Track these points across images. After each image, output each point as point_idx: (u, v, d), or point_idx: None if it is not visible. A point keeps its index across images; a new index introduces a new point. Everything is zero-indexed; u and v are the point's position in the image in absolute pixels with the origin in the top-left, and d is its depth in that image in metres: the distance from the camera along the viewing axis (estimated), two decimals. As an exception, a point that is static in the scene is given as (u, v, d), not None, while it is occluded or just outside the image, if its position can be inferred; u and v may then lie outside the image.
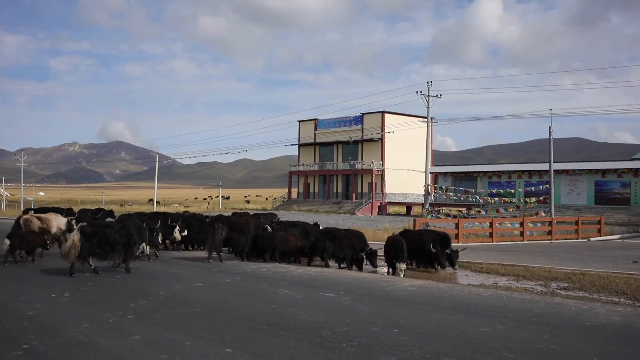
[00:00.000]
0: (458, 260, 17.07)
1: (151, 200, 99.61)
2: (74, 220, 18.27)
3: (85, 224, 14.74)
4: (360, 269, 16.69)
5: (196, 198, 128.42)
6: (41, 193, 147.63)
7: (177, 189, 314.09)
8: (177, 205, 78.99)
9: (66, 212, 25.12)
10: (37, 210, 29.99)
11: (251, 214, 26.19)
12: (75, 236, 13.99)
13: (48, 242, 16.75)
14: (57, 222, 18.28)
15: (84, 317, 9.21)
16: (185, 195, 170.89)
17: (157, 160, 70.03)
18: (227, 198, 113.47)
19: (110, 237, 14.20)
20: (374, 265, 16.56)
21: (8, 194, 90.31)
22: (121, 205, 73.21)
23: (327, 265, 16.68)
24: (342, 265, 16.93)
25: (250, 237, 18.05)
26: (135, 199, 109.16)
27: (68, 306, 10.21)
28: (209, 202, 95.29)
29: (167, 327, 8.61)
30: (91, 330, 8.32)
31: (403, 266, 15.90)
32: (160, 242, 16.96)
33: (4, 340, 7.80)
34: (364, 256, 16.77)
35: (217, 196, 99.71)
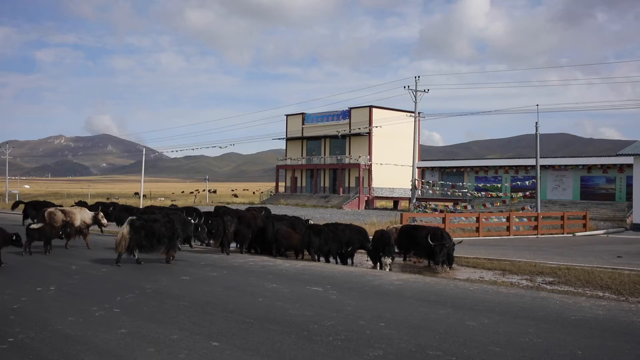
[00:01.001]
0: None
1: (137, 193, 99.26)
2: (100, 215, 18.93)
3: (134, 217, 15.54)
4: (344, 263, 16.74)
5: (183, 192, 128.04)
6: (26, 186, 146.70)
7: (164, 183, 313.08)
8: (163, 199, 78.69)
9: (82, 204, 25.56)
10: (32, 204, 29.88)
11: (233, 208, 26.08)
12: (125, 229, 14.77)
13: (62, 233, 17.39)
14: (82, 216, 18.79)
15: (70, 310, 9.17)
16: (172, 188, 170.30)
17: (144, 153, 69.68)
18: (214, 192, 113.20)
19: (157, 231, 14.92)
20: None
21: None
22: (107, 198, 72.83)
23: (313, 260, 16.70)
24: (330, 260, 16.96)
25: (254, 231, 18.41)
26: (122, 193, 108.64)
27: (54, 299, 10.16)
28: (195, 195, 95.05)
29: (154, 320, 8.60)
30: (77, 324, 8.29)
31: (389, 260, 15.95)
32: (205, 237, 17.08)
33: (-11, 333, 7.76)
34: (366, 252, 16.92)
35: (204, 190, 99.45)
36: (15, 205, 38.11)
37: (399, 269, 16.66)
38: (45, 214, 18.33)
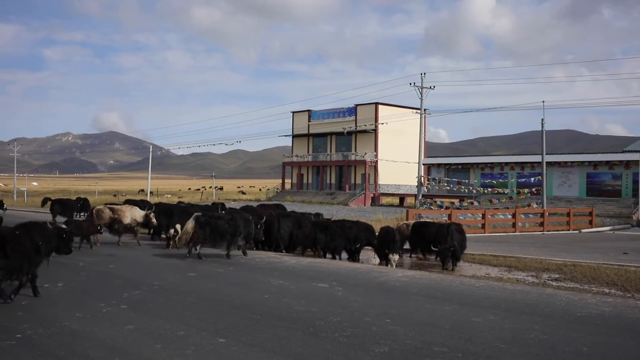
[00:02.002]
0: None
1: (142, 190, 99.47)
2: (152, 214, 18.98)
3: (200, 214, 16.27)
4: (353, 260, 16.77)
5: (190, 188, 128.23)
6: (34, 183, 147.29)
7: (171, 180, 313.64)
8: (169, 195, 78.88)
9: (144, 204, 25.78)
10: (59, 201, 29.88)
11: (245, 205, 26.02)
12: (190, 224, 15.53)
13: (100, 228, 17.76)
14: (132, 214, 19.12)
15: (78, 306, 9.23)
16: (178, 185, 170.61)
17: (151, 150, 69.87)
18: (221, 189, 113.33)
19: (221, 227, 15.61)
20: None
21: (1, 184, 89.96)
22: (114, 195, 73.06)
23: (319, 256, 16.71)
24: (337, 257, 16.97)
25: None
26: (129, 190, 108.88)
27: (61, 296, 10.22)
28: (202, 192, 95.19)
29: (161, 317, 8.64)
30: (85, 320, 8.34)
31: (396, 257, 15.96)
32: (262, 235, 17.56)
33: (-3, 329, 7.82)
34: (373, 249, 16.94)
35: (211, 187, 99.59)
36: (44, 202, 38.55)
37: (408, 266, 16.69)
38: (94, 211, 18.89)
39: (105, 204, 21.92)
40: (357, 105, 73.16)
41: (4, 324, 8.12)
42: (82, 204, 34.75)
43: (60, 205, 30.03)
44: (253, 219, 17.21)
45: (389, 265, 15.68)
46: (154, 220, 19.15)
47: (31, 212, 39.66)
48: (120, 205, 20.93)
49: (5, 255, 9.09)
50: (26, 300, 9.66)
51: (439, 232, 16.13)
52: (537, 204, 37.45)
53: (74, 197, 41.42)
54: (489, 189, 45.59)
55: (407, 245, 18.89)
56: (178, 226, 18.13)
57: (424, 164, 50.04)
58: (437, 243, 15.77)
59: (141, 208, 19.81)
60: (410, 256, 18.51)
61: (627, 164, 47.53)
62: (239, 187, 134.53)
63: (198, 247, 15.74)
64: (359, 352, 6.96)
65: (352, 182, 70.95)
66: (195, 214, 16.40)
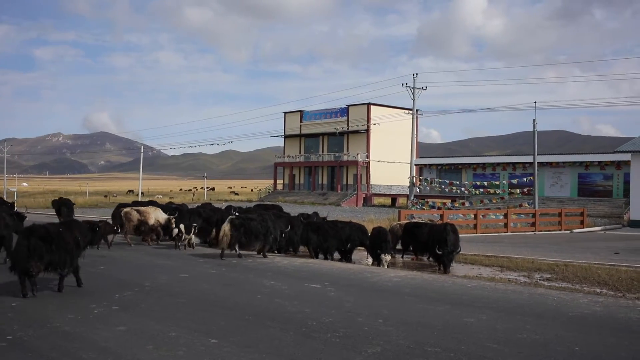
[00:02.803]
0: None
1: (130, 191, 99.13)
2: (172, 219, 18.72)
3: (234, 216, 16.94)
4: (346, 260, 16.76)
5: (181, 189, 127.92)
6: (25, 184, 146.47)
7: (162, 180, 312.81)
8: (161, 196, 78.63)
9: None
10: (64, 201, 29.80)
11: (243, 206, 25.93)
12: (226, 226, 15.99)
13: (117, 228, 17.39)
14: (156, 215, 19.47)
15: (69, 308, 9.19)
16: (170, 186, 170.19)
17: (142, 151, 69.67)
18: (213, 189, 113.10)
19: (254, 228, 16.10)
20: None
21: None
22: (105, 196, 72.82)
23: (311, 257, 16.70)
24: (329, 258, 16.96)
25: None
26: (120, 190, 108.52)
27: (53, 297, 10.17)
28: (194, 193, 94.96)
29: (153, 317, 8.61)
30: (76, 321, 8.30)
31: (388, 257, 15.97)
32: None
33: (-12, 331, 7.77)
34: (366, 249, 16.97)
35: (202, 187, 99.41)
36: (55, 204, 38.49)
37: (401, 266, 16.70)
38: (122, 213, 19.23)
39: (132, 202, 22.84)
40: (349, 105, 73.18)
41: (-6, 325, 8.08)
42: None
43: (66, 206, 29.91)
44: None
45: (381, 266, 15.68)
46: (173, 225, 18.95)
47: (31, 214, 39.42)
48: (144, 206, 21.10)
49: (52, 250, 10.14)
50: (16, 302, 9.61)
51: (435, 234, 16.01)
52: (528, 204, 37.56)
53: (64, 198, 41.17)
54: (481, 190, 45.72)
55: (399, 246, 18.90)
56: (182, 226, 18.17)
57: (416, 165, 50.12)
58: (434, 245, 15.66)
59: (164, 211, 19.94)
60: (402, 257, 18.50)
61: (618, 164, 47.74)
62: (229, 188, 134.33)
63: (237, 248, 16.12)
64: (352, 352, 6.96)
65: (344, 182, 70.97)
66: (230, 216, 17.05)
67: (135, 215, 19.04)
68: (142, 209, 19.79)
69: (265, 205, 25.35)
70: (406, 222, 20.25)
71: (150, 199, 57.66)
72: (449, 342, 7.42)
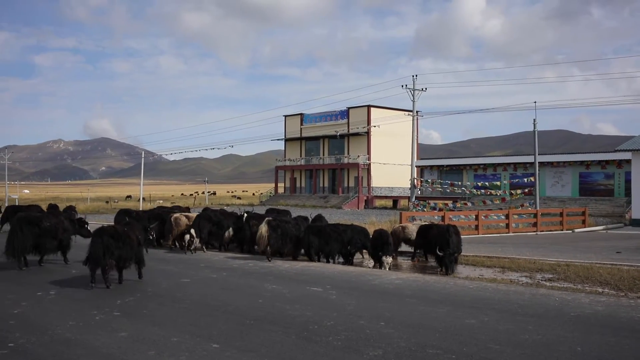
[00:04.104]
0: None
1: (129, 196, 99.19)
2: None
3: (270, 218, 17.34)
4: (348, 263, 16.73)
5: (182, 194, 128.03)
6: (26, 191, 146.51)
7: (164, 185, 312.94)
8: (161, 201, 78.65)
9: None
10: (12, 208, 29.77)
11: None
12: (263, 227, 16.41)
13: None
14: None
15: (71, 314, 9.19)
16: (171, 191, 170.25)
17: (143, 156, 69.67)
18: (214, 193, 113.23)
19: (289, 231, 16.68)
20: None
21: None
22: (107, 202, 72.85)
23: (312, 260, 16.68)
24: (338, 261, 16.94)
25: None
26: (121, 196, 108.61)
27: (54, 304, 10.17)
28: (195, 197, 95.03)
29: (154, 323, 8.61)
30: (78, 328, 8.30)
31: (389, 259, 15.94)
32: None
33: (-11, 339, 7.77)
34: (367, 252, 16.95)
35: (204, 192, 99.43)
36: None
37: (402, 269, 16.69)
38: (172, 219, 19.62)
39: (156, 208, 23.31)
40: (349, 108, 73.23)
41: (-4, 333, 8.08)
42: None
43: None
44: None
45: (383, 268, 15.66)
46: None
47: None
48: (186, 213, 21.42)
49: (120, 247, 11.89)
50: (18, 309, 9.62)
51: (437, 235, 15.91)
52: (530, 205, 37.54)
53: (65, 205, 41.11)
54: (482, 191, 45.71)
55: (403, 248, 18.88)
56: (193, 231, 18.23)
57: (416, 166, 50.16)
58: (438, 247, 15.55)
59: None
60: (412, 259, 18.38)
61: (619, 163, 47.74)
62: (228, 192, 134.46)
63: (269, 249, 16.36)
64: (354, 355, 6.96)
65: (345, 185, 70.99)
66: (267, 218, 17.42)
67: (184, 221, 19.39)
68: (190, 215, 20.18)
69: (277, 210, 25.31)
70: (407, 224, 20.20)
71: (151, 204, 57.62)
72: (451, 343, 7.41)
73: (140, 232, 13.14)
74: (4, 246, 14.44)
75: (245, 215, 19.53)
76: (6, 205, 42.85)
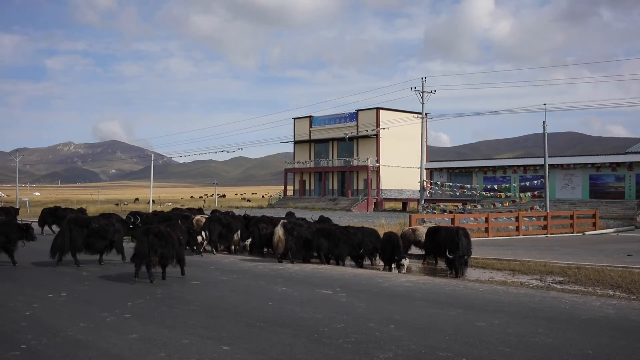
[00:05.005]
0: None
1: (137, 199, 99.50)
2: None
3: (285, 221, 17.59)
4: (359, 265, 16.73)
5: (192, 197, 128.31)
6: (37, 193, 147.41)
7: (173, 188, 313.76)
8: (170, 204, 78.86)
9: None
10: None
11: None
12: (280, 231, 16.54)
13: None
14: None
15: (81, 316, 9.23)
16: (180, 193, 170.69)
17: (153, 159, 69.90)
18: (223, 196, 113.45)
19: (303, 233, 16.76)
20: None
21: (3, 194, 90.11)
22: (116, 204, 73.10)
23: (322, 262, 16.68)
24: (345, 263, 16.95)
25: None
26: (130, 199, 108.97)
27: (65, 306, 10.23)
28: (204, 200, 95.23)
29: (165, 325, 8.64)
30: (89, 330, 8.34)
31: (406, 262, 15.88)
32: None
33: (2, 340, 7.83)
34: (378, 255, 16.95)
35: (213, 194, 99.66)
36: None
37: (412, 271, 16.67)
38: (194, 221, 20.06)
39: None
40: (358, 110, 73.23)
41: (8, 334, 8.14)
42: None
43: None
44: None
45: (399, 271, 15.60)
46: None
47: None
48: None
49: (163, 245, 12.77)
50: (30, 311, 9.68)
51: (447, 238, 15.84)
52: (540, 207, 37.39)
53: (76, 207, 41.25)
54: (492, 193, 45.56)
55: (412, 250, 18.83)
56: (204, 233, 18.34)
57: (426, 169, 50.06)
58: (448, 249, 15.48)
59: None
60: (423, 261, 18.32)
61: (630, 165, 47.49)
62: (238, 194, 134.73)
63: (290, 253, 16.54)
64: (364, 357, 6.96)
65: (355, 187, 70.98)
66: (282, 221, 17.61)
67: (204, 222, 19.64)
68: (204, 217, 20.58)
69: (291, 213, 25.34)
70: (416, 226, 20.16)
71: (161, 207, 57.73)
72: (461, 346, 7.40)
73: (183, 233, 13.98)
74: (51, 246, 15.38)
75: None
76: (17, 207, 43.17)
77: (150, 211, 34.70)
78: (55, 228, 27.68)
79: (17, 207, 45.39)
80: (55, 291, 11.57)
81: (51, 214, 28.77)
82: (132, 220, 17.97)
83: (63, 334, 8.13)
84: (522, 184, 50.12)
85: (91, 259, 16.38)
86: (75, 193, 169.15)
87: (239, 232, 19.57)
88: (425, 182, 43.62)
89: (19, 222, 17.56)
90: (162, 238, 12.86)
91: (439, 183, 53.13)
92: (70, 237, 15.32)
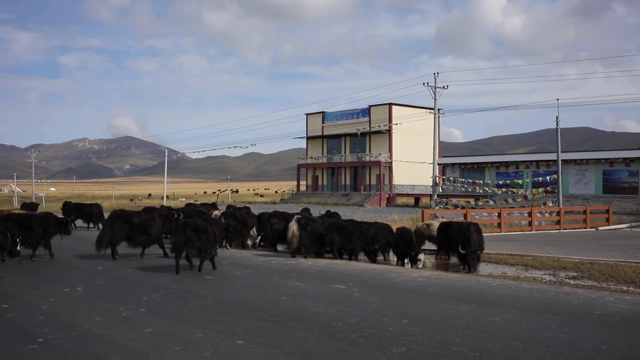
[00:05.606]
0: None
1: (150, 194, 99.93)
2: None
3: (300, 216, 17.63)
4: (373, 260, 16.75)
5: (205, 192, 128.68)
6: (52, 189, 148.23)
7: (186, 183, 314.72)
8: (184, 199, 79.19)
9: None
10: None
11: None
12: (294, 226, 16.63)
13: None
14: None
15: (97, 310, 9.33)
16: (194, 189, 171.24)
17: (167, 154, 70.20)
18: (237, 191, 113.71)
19: (317, 229, 16.82)
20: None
21: (19, 190, 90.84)
22: (131, 200, 73.48)
23: (335, 257, 16.71)
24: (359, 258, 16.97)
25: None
26: (144, 194, 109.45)
27: (81, 300, 10.33)
28: (218, 195, 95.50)
29: (179, 319, 8.72)
30: (104, 324, 8.44)
31: (422, 256, 15.88)
32: None
33: (20, 334, 7.94)
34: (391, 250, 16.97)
35: (226, 190, 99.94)
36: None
37: (430, 266, 16.68)
38: (212, 216, 19.93)
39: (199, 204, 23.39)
40: (370, 106, 73.16)
41: (26, 328, 8.25)
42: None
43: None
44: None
45: (415, 266, 15.59)
46: None
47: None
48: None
49: (200, 239, 13.32)
50: (46, 305, 9.79)
51: (459, 233, 15.82)
52: (552, 203, 37.21)
53: (91, 202, 41.51)
54: (504, 189, 45.37)
55: (425, 246, 18.82)
56: None
57: (438, 164, 49.99)
58: (460, 244, 15.44)
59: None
60: (436, 257, 18.32)
61: (644, 160, 47.11)
62: (251, 190, 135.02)
63: (303, 248, 16.65)
64: (377, 352, 6.99)
65: (367, 183, 70.91)
66: (296, 216, 17.63)
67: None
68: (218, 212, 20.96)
69: (306, 209, 25.43)
70: (430, 222, 20.14)
71: (175, 202, 57.92)
72: (474, 341, 7.42)
73: (220, 228, 14.55)
74: (96, 239, 16.16)
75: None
76: (33, 201, 43.45)
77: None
78: (82, 223, 28.10)
79: (36, 202, 45.74)
80: (71, 286, 11.68)
81: (76, 209, 29.05)
82: (175, 215, 18.13)
83: (79, 328, 8.22)
84: (534, 179, 49.94)
85: (132, 252, 16.62)
86: (90, 189, 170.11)
87: (254, 228, 19.63)
88: (437, 178, 43.56)
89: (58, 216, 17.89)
90: (199, 232, 13.38)
91: (451, 178, 52.99)
92: (112, 231, 16.03)
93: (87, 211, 28.83)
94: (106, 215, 29.28)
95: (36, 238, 15.85)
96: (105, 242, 15.98)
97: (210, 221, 14.56)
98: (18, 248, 15.44)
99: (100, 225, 28.19)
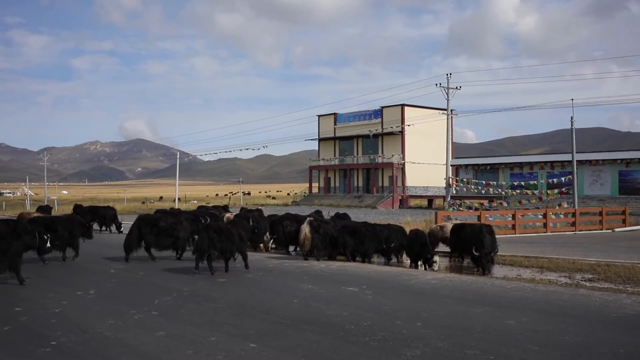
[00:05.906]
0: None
1: (161, 197, 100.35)
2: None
3: (312, 218, 17.66)
4: (386, 262, 16.67)
5: (217, 194, 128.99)
6: (64, 192, 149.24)
7: (198, 186, 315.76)
8: (195, 202, 79.33)
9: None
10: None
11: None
12: (306, 228, 16.54)
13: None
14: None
15: (110, 313, 9.32)
16: (206, 191, 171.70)
17: (178, 157, 70.40)
18: (248, 194, 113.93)
19: (329, 231, 16.79)
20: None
21: (32, 193, 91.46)
22: (143, 202, 73.76)
23: (348, 260, 16.63)
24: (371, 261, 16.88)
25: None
26: (156, 197, 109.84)
27: (93, 303, 10.33)
28: (230, 198, 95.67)
29: (192, 322, 8.68)
30: (117, 327, 8.42)
31: (437, 258, 15.78)
32: None
33: (33, 336, 7.94)
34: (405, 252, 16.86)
35: (237, 192, 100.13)
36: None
37: (444, 269, 16.58)
38: (224, 219, 19.93)
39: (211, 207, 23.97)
40: (383, 107, 73.00)
41: (38, 330, 8.25)
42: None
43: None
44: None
45: (430, 268, 15.48)
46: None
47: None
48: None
49: (222, 240, 13.57)
50: (59, 308, 9.79)
51: (472, 236, 15.68)
52: (567, 204, 36.94)
53: (103, 205, 41.69)
54: (518, 191, 45.10)
55: (439, 248, 18.70)
56: None
57: (451, 165, 49.74)
58: (474, 247, 15.31)
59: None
60: (450, 259, 18.19)
61: (660, 161, 46.69)
62: (261, 192, 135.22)
63: (315, 251, 16.56)
64: (391, 355, 6.92)
65: (380, 184, 70.76)
66: (308, 218, 17.61)
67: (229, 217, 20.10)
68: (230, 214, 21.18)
69: (319, 211, 25.38)
70: (444, 223, 20.01)
71: (187, 204, 58.03)
72: (489, 344, 7.33)
73: (246, 230, 14.81)
74: (124, 244, 16.42)
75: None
76: (46, 204, 43.67)
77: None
78: (95, 226, 28.19)
79: (50, 205, 45.98)
80: (83, 289, 11.69)
81: (91, 212, 29.20)
82: (202, 221, 18.16)
83: (92, 331, 8.21)
84: (549, 180, 49.63)
85: (120, 256, 16.56)
86: (101, 191, 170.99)
87: (267, 232, 19.57)
88: (451, 179, 43.36)
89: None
90: (222, 234, 13.64)
91: (464, 180, 52.80)
92: (139, 235, 16.27)
93: (102, 214, 29.03)
94: (120, 218, 29.63)
95: (62, 240, 16.01)
96: (134, 247, 16.24)
97: (235, 223, 14.83)
98: (48, 245, 15.17)
99: (113, 228, 28.37)
